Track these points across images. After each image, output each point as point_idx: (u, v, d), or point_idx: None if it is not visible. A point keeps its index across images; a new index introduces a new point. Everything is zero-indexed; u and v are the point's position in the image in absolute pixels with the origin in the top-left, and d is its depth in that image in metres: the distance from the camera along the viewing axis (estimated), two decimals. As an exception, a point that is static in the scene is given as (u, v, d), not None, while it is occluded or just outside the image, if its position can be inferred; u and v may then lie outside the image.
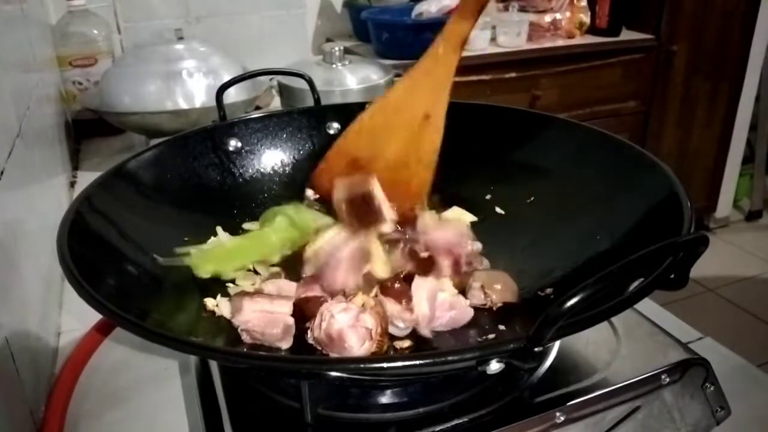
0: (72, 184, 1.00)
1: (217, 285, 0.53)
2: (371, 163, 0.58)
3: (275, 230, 0.55)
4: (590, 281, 0.32)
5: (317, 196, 0.63)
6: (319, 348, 0.45)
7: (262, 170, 0.69)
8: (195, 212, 0.61)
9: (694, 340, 0.58)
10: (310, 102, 0.73)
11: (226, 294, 0.52)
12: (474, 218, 0.62)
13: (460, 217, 0.61)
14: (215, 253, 0.54)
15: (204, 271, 0.52)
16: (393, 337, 0.48)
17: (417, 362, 0.35)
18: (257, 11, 1.55)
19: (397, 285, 0.47)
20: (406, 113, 0.57)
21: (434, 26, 1.71)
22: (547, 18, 1.91)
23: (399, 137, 0.58)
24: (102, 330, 0.63)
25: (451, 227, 0.55)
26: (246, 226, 0.63)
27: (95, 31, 1.20)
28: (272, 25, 1.56)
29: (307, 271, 0.52)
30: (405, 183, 0.58)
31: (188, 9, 1.48)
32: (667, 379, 0.45)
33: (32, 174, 0.69)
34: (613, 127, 1.88)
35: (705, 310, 2.07)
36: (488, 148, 0.67)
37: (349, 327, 0.44)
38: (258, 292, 0.49)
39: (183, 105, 1.00)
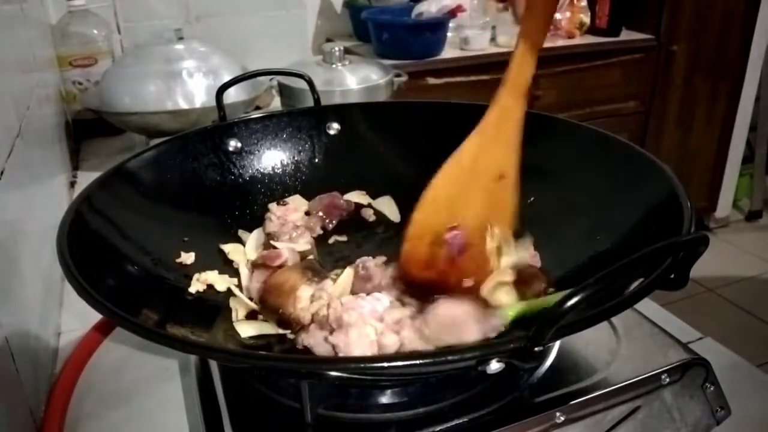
0: (72, 184, 1.00)
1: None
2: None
3: None
4: (590, 281, 0.32)
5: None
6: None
7: (262, 170, 0.68)
8: (195, 212, 0.61)
9: (694, 340, 0.58)
10: (310, 102, 0.73)
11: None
12: None
13: None
14: None
15: None
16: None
17: (417, 362, 0.35)
18: (257, 11, 1.55)
19: None
20: (481, 174, 0.51)
21: (434, 26, 1.72)
22: (547, 18, 1.90)
23: (477, 202, 0.51)
24: (102, 330, 0.63)
25: None
26: (241, 233, 0.63)
27: (95, 31, 1.20)
28: (272, 25, 1.56)
29: None
30: (479, 255, 0.51)
31: (188, 9, 1.48)
32: (667, 379, 0.45)
33: (32, 174, 0.69)
34: (613, 127, 1.87)
35: (705, 310, 2.07)
36: (488, 148, 0.67)
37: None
38: None
39: (183, 105, 1.00)
